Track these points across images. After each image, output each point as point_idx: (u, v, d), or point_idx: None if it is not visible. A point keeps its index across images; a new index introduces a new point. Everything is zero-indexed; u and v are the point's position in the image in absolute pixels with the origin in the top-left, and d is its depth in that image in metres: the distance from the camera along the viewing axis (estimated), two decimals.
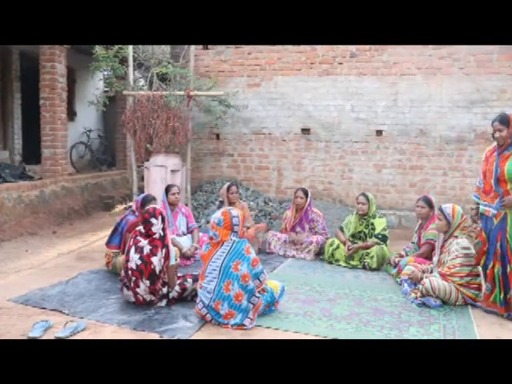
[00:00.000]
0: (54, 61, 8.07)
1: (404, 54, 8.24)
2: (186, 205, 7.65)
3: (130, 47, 7.89)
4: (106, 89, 11.90)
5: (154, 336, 3.62)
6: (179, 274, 4.51)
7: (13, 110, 9.93)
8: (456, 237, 4.65)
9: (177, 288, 4.32)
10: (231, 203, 6.52)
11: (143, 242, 4.24)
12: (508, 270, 4.07)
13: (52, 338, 3.49)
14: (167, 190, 6.08)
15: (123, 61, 8.01)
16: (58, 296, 4.46)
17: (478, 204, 4.39)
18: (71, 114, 11.51)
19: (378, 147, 8.52)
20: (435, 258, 4.81)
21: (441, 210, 4.79)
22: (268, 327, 3.87)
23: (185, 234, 6.06)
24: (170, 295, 4.29)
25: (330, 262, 6.11)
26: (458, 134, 8.15)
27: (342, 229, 6.27)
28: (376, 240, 5.91)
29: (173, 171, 7.59)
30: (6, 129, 9.98)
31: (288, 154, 8.93)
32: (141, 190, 7.97)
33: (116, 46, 7.79)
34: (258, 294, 3.96)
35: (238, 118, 9.00)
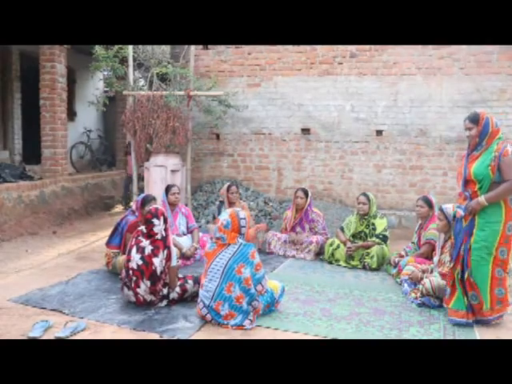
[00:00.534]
0: (54, 61, 8.07)
1: (404, 54, 8.24)
2: (186, 205, 7.65)
3: (130, 47, 7.88)
4: (106, 89, 11.93)
5: (154, 336, 3.62)
6: (180, 275, 4.51)
7: (13, 110, 9.93)
8: None
9: (177, 289, 4.32)
10: (231, 203, 6.52)
11: (145, 243, 4.24)
12: (466, 275, 3.96)
13: (52, 338, 3.49)
14: (167, 190, 6.08)
15: (123, 61, 8.01)
16: (57, 296, 4.46)
17: None
18: (71, 114, 11.51)
19: (378, 147, 8.52)
20: (436, 258, 4.81)
21: (441, 210, 4.78)
22: (268, 327, 3.87)
23: (185, 234, 6.06)
24: (171, 296, 4.29)
25: (330, 262, 6.11)
26: (458, 134, 8.14)
27: (342, 229, 6.26)
28: (377, 240, 5.91)
29: (173, 171, 7.59)
30: (6, 129, 9.98)
31: (288, 154, 8.93)
32: (141, 190, 7.97)
33: (116, 46, 7.79)
34: (258, 299, 3.96)
35: (238, 118, 9.00)
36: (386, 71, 8.37)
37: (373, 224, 6.00)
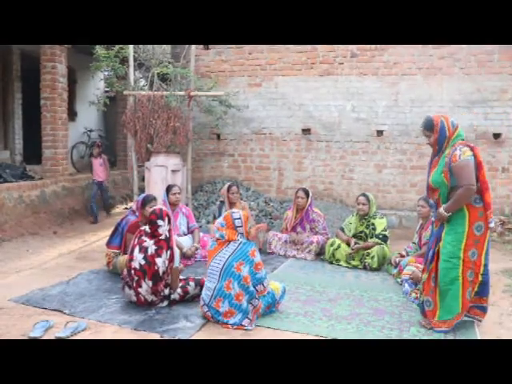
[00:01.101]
0: (55, 61, 8.07)
1: (405, 53, 8.24)
2: (187, 205, 7.65)
3: (131, 47, 7.89)
4: (107, 89, 11.92)
5: (155, 336, 3.62)
6: (182, 277, 4.51)
7: (14, 110, 9.94)
8: None
9: (179, 291, 4.32)
10: (232, 203, 6.52)
11: (148, 242, 4.24)
12: (425, 276, 3.95)
13: (52, 338, 3.49)
14: (168, 190, 6.09)
15: (124, 61, 8.01)
16: (58, 296, 4.46)
17: None
18: (72, 114, 11.52)
19: (379, 147, 8.52)
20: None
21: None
22: (268, 327, 3.88)
23: (185, 234, 6.06)
24: (172, 297, 4.29)
25: (331, 262, 6.11)
26: None
27: (342, 229, 6.26)
28: (377, 240, 5.91)
29: (173, 171, 7.59)
30: (6, 129, 9.99)
31: (289, 154, 8.93)
32: (141, 190, 7.97)
33: (117, 46, 7.80)
34: (258, 298, 3.96)
35: (239, 118, 9.00)
36: (387, 71, 8.37)
37: (373, 224, 6.00)
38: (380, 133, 8.48)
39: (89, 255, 6.16)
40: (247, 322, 3.84)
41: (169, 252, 4.23)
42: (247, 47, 8.94)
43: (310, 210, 6.48)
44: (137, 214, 5.41)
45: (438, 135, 3.81)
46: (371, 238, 5.97)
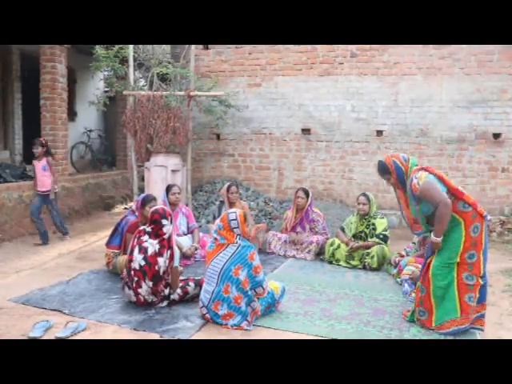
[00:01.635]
0: (55, 61, 8.07)
1: (404, 54, 8.24)
2: (187, 205, 7.65)
3: (131, 47, 7.89)
4: (107, 89, 11.93)
5: (155, 336, 3.62)
6: (182, 277, 4.51)
7: (13, 110, 9.94)
8: None
9: (179, 291, 4.32)
10: (231, 203, 6.52)
11: (150, 242, 4.23)
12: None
13: (52, 338, 3.49)
14: (168, 189, 6.09)
15: (124, 61, 8.01)
16: (58, 296, 4.46)
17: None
18: (72, 114, 11.51)
19: (379, 147, 8.52)
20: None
21: None
22: (268, 327, 3.88)
23: (185, 234, 6.06)
24: (172, 297, 4.29)
25: (331, 262, 6.11)
26: (458, 134, 8.15)
27: (343, 229, 6.26)
28: (377, 240, 5.90)
29: (173, 171, 7.59)
30: (6, 129, 9.99)
31: (288, 154, 8.93)
32: (141, 190, 7.97)
33: (116, 46, 7.80)
34: (256, 300, 3.95)
35: (239, 118, 9.00)
36: (387, 71, 8.37)
37: (373, 224, 6.00)
38: (380, 133, 8.49)
39: (89, 255, 6.16)
40: (246, 323, 3.84)
41: (169, 251, 4.24)
42: (247, 47, 8.94)
43: (310, 210, 6.48)
44: (136, 214, 5.41)
45: (395, 175, 3.92)
46: (371, 237, 5.97)
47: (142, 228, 4.44)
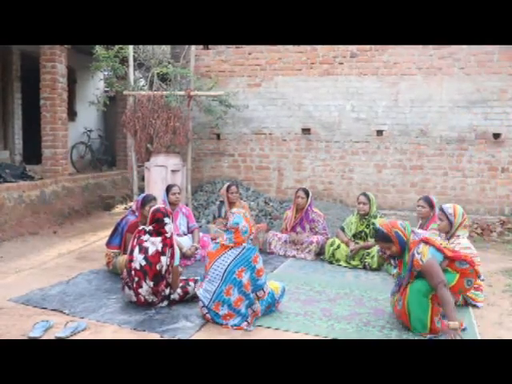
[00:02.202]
0: (55, 61, 8.07)
1: (404, 53, 8.24)
2: (187, 205, 7.65)
3: (131, 47, 7.89)
4: (107, 89, 11.93)
5: (155, 336, 3.62)
6: (182, 277, 4.51)
7: (13, 110, 9.94)
8: (458, 236, 4.64)
9: (179, 291, 4.32)
10: (231, 203, 6.53)
11: (152, 241, 4.23)
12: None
13: (52, 338, 3.49)
14: (168, 189, 6.09)
15: (124, 61, 8.01)
16: (58, 296, 4.46)
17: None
18: (72, 114, 11.52)
19: (379, 147, 8.52)
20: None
21: (442, 210, 4.78)
22: (268, 327, 3.88)
23: (185, 234, 6.06)
24: (172, 297, 4.29)
25: (331, 262, 6.11)
26: (458, 134, 8.15)
27: (343, 229, 6.26)
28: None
29: (173, 171, 7.59)
30: (6, 129, 9.99)
31: (288, 154, 8.93)
32: (141, 190, 7.97)
33: (116, 46, 7.80)
34: (258, 302, 3.96)
35: (239, 118, 9.00)
36: (387, 71, 8.37)
37: (373, 223, 6.00)
38: (380, 133, 8.49)
39: (89, 255, 6.16)
40: (245, 324, 3.84)
41: (170, 250, 4.23)
42: (247, 47, 8.93)
43: (310, 209, 6.48)
44: (136, 213, 5.41)
45: (398, 245, 3.92)
46: (371, 237, 5.97)
47: (141, 228, 4.44)
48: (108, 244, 5.41)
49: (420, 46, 8.10)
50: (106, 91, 12.63)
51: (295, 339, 3.54)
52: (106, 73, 10.85)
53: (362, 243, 5.99)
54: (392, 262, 4.20)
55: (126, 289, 4.30)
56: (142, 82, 9.33)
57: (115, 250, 5.31)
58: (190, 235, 6.09)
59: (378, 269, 5.83)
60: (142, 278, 4.16)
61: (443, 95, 8.16)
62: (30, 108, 9.75)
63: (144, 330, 3.73)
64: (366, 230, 6.05)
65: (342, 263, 6.02)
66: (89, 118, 12.80)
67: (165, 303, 4.26)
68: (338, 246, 6.08)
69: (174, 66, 8.18)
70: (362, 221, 6.10)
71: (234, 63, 9.06)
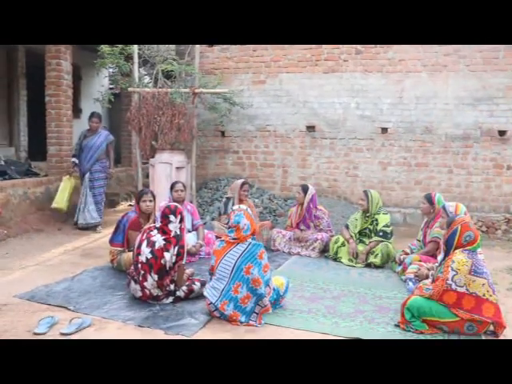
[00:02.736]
0: (60, 58, 8.07)
1: (410, 51, 8.21)
2: (191, 202, 7.66)
3: (136, 44, 7.89)
4: (112, 86, 11.93)
5: (159, 332, 3.63)
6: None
7: (18, 107, 9.96)
8: None
9: (184, 288, 4.33)
10: (241, 200, 6.56)
11: (156, 237, 4.24)
12: None
13: (57, 334, 3.51)
14: (171, 187, 6.10)
15: (128, 58, 8.02)
16: (63, 292, 4.48)
17: None
18: (76, 111, 11.52)
19: (383, 144, 8.50)
20: (440, 257, 4.79)
21: (444, 208, 4.80)
22: (273, 324, 3.88)
23: (190, 231, 6.07)
24: (177, 293, 4.30)
25: (335, 260, 6.11)
26: (463, 132, 8.12)
27: (347, 226, 6.26)
28: (376, 238, 5.90)
29: (178, 168, 7.60)
30: (11, 126, 10.01)
31: (293, 151, 8.93)
32: (146, 187, 7.97)
33: None
34: (267, 298, 3.96)
35: (243, 115, 9.00)
36: (392, 68, 8.34)
37: (376, 220, 5.99)
38: (385, 130, 8.47)
39: (93, 252, 6.18)
40: (252, 323, 3.85)
41: (176, 248, 4.22)
42: (252, 44, 8.92)
43: (312, 207, 6.48)
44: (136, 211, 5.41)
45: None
46: (375, 234, 5.96)
47: (152, 225, 4.45)
48: (111, 242, 5.41)
49: None
50: (110, 88, 12.62)
51: (299, 337, 3.55)
52: (110, 70, 10.86)
53: (363, 248, 5.95)
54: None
55: (132, 283, 4.32)
56: (147, 79, 9.32)
57: (118, 248, 5.32)
58: (194, 232, 6.11)
59: (382, 266, 5.82)
60: (147, 272, 4.17)
61: (448, 92, 8.13)
62: (35, 105, 9.76)
63: (148, 327, 3.74)
64: (369, 227, 6.05)
65: (344, 261, 5.98)
66: None
67: (170, 299, 4.27)
68: (343, 244, 6.08)
69: (179, 63, 8.18)
70: (365, 218, 6.10)
71: (239, 60, 9.05)
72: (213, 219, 7.63)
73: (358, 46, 8.44)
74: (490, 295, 3.66)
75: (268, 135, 9.03)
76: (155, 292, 4.21)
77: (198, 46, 8.32)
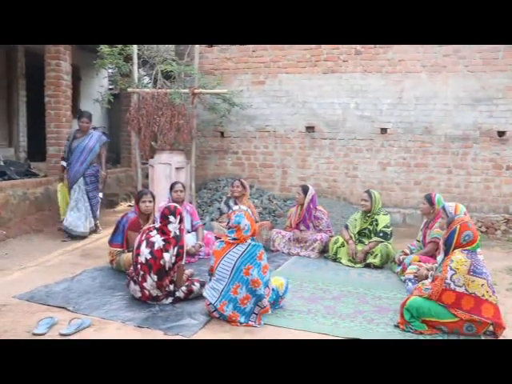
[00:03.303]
0: (59, 58, 8.07)
1: (409, 51, 8.21)
2: (191, 202, 7.65)
3: (135, 45, 7.89)
4: (111, 86, 11.93)
5: (159, 333, 3.63)
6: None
7: (18, 108, 9.96)
8: None
9: (184, 289, 4.33)
10: (236, 197, 6.63)
11: (157, 238, 4.24)
12: None
13: (57, 334, 3.51)
14: (171, 188, 6.10)
15: (128, 58, 8.01)
16: (62, 293, 4.48)
17: None
18: (76, 112, 11.51)
19: (383, 145, 8.51)
20: (439, 257, 4.79)
21: (443, 208, 4.81)
22: (272, 325, 3.88)
23: (189, 232, 6.07)
24: (176, 294, 4.29)
25: (335, 260, 6.11)
26: (463, 132, 8.12)
27: (347, 227, 6.26)
28: (376, 239, 5.90)
29: (177, 169, 7.60)
30: (11, 126, 10.01)
31: (292, 152, 8.93)
32: (145, 187, 7.97)
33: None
34: (266, 299, 3.95)
35: (243, 116, 9.00)
36: (391, 69, 8.34)
37: (376, 220, 5.99)
38: (384, 130, 8.47)
39: (93, 252, 6.18)
40: (251, 323, 3.85)
41: (176, 248, 4.22)
42: (251, 45, 8.92)
43: (312, 207, 6.48)
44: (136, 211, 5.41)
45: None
46: (375, 235, 5.96)
47: (151, 225, 4.45)
48: (110, 242, 5.41)
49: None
50: (110, 89, 12.63)
51: (299, 337, 3.54)
52: (110, 70, 10.86)
53: (361, 249, 5.95)
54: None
55: (132, 284, 4.32)
56: (147, 80, 9.34)
57: (118, 249, 5.31)
58: (193, 233, 6.11)
59: (382, 267, 5.82)
60: (146, 272, 4.17)
61: (448, 93, 8.13)
62: (35, 105, 9.76)
63: (148, 327, 3.73)
64: (369, 227, 6.05)
65: (343, 261, 5.98)
66: (93, 115, 12.78)
67: (169, 300, 4.27)
68: (342, 244, 6.08)
69: (178, 64, 8.18)
70: (365, 218, 6.10)
71: (238, 61, 9.06)
72: (212, 220, 7.63)
73: (358, 47, 8.44)
74: (490, 296, 3.66)
75: (267, 136, 9.03)
76: (155, 292, 4.21)
77: (197, 46, 8.32)
